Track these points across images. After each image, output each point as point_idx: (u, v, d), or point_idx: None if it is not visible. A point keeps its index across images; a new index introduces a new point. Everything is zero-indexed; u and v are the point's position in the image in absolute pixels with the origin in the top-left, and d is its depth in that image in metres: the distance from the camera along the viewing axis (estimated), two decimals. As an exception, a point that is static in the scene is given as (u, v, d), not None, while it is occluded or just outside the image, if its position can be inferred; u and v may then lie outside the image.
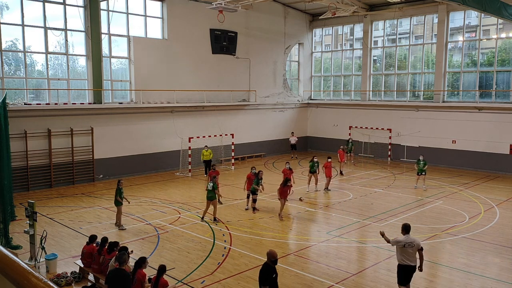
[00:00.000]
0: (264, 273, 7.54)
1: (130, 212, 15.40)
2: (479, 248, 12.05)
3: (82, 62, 21.41)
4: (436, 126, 25.48)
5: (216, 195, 14.48)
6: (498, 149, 23.23)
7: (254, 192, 15.69)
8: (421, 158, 19.62)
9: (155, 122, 23.20)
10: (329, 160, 19.09)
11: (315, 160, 18.93)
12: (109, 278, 7.78)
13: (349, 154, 25.79)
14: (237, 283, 9.72)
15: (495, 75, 23.96)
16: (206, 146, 22.65)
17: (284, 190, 14.83)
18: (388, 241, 8.90)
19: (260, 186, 15.57)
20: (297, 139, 28.92)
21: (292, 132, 29.44)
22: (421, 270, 8.75)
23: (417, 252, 8.56)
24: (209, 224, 14.10)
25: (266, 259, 7.72)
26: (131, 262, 8.94)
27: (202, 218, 14.47)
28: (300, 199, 13.59)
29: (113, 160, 21.56)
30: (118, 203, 13.67)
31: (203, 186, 20.09)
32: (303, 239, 12.99)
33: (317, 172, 18.89)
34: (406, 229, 8.75)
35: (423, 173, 19.26)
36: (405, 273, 8.62)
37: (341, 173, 22.83)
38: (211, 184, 14.25)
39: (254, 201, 15.81)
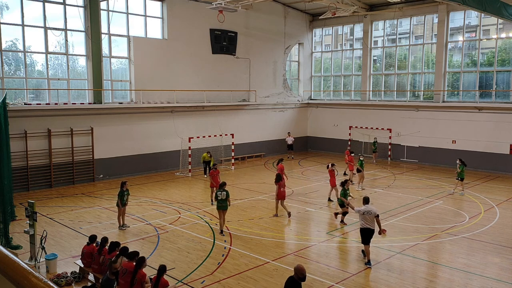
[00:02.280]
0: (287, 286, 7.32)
1: (130, 212, 15.38)
2: (479, 248, 12.05)
3: (82, 62, 21.41)
4: (436, 126, 25.49)
5: (228, 204, 13.22)
6: (498, 149, 23.23)
7: (342, 205, 14.02)
8: (458, 162, 18.64)
9: (155, 122, 23.20)
10: (352, 154, 20.71)
11: (362, 159, 19.48)
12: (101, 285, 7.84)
13: (374, 153, 27.01)
14: (237, 283, 9.72)
15: (495, 75, 23.96)
16: (209, 152, 22.44)
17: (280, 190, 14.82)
18: (353, 208, 11.87)
19: (349, 199, 14.11)
20: (293, 139, 28.89)
21: (289, 132, 29.40)
22: (379, 233, 11.15)
23: (374, 219, 10.77)
24: (209, 224, 14.10)
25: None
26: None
27: (221, 231, 13.13)
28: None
29: (113, 160, 21.56)
30: (117, 205, 13.65)
31: (203, 186, 20.16)
32: (303, 239, 12.99)
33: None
34: (366, 200, 11.12)
35: (461, 179, 18.39)
36: (365, 234, 10.82)
37: (345, 173, 22.78)
38: (224, 192, 13.08)
39: (344, 214, 14.13)
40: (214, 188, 16.64)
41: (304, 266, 10.75)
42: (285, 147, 29.23)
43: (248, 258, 11.18)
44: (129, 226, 13.78)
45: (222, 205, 13.11)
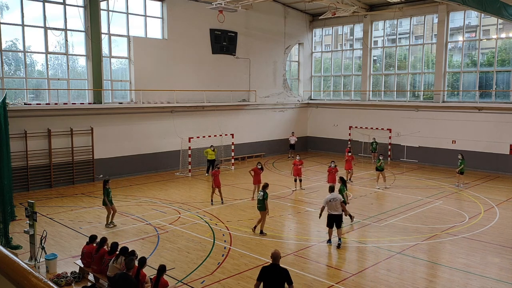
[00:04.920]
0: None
1: (130, 212, 15.41)
2: (479, 248, 12.05)
3: (82, 62, 21.41)
4: (436, 126, 25.48)
5: (266, 206, 13.05)
6: (498, 149, 23.23)
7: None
8: (460, 157, 19.84)
9: (155, 122, 23.20)
10: (350, 154, 21.08)
11: (381, 158, 19.74)
12: (116, 282, 7.71)
13: (373, 153, 26.92)
14: (237, 283, 9.72)
15: (495, 75, 23.96)
16: (212, 145, 22.70)
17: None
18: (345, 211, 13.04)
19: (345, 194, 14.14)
20: (296, 139, 28.96)
21: (292, 132, 29.45)
22: (345, 215, 12.60)
23: (340, 205, 12.12)
24: (209, 224, 14.10)
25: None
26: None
27: (257, 229, 13.22)
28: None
29: (113, 160, 21.56)
30: (105, 203, 13.83)
31: (203, 186, 20.17)
32: (303, 239, 12.99)
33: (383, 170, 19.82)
34: (331, 189, 12.57)
35: (461, 173, 19.55)
36: (331, 219, 12.17)
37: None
38: (261, 193, 13.13)
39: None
40: (216, 188, 16.68)
41: (304, 266, 10.83)
42: (285, 147, 29.25)
43: (248, 258, 11.18)
44: (116, 225, 13.86)
45: (259, 205, 13.23)
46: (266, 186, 13.48)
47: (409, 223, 14.30)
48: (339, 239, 12.08)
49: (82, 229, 13.60)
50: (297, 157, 19.94)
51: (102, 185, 14.05)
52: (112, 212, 13.82)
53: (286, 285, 7.27)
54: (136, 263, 8.33)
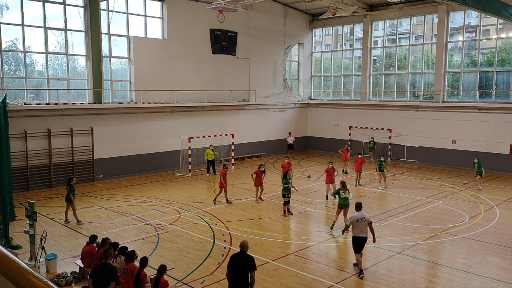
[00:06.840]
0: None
1: (130, 212, 15.42)
2: (479, 248, 12.05)
3: (82, 62, 21.40)
4: (436, 126, 25.49)
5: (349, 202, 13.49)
6: (498, 149, 23.23)
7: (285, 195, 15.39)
8: (476, 161, 19.95)
9: (155, 122, 23.20)
10: (360, 156, 20.44)
11: (382, 159, 19.85)
12: (94, 272, 7.76)
13: (371, 153, 27.03)
14: (237, 283, 9.70)
15: (495, 75, 23.96)
16: (211, 145, 22.72)
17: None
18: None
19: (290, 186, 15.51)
20: (294, 139, 28.93)
21: (289, 132, 29.42)
22: (374, 241, 10.36)
23: (368, 226, 10.18)
24: (209, 224, 14.10)
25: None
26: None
27: (332, 227, 13.53)
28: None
29: (113, 160, 21.56)
30: (69, 200, 14.08)
31: (203, 186, 20.18)
32: (303, 239, 12.99)
33: (386, 170, 20.00)
34: (358, 207, 10.46)
35: (480, 174, 19.64)
36: (358, 243, 10.21)
37: (345, 172, 22.97)
38: (348, 191, 13.52)
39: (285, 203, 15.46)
40: (223, 189, 16.64)
41: (304, 266, 10.83)
42: (285, 147, 29.24)
43: (248, 258, 11.15)
44: (70, 222, 14.16)
45: (346, 202, 13.37)
46: (345, 183, 13.74)
47: (409, 223, 14.30)
48: (361, 270, 10.16)
49: (82, 229, 13.60)
50: (286, 159, 19.70)
51: (67, 182, 14.46)
52: (73, 210, 14.18)
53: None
54: (137, 263, 8.34)
